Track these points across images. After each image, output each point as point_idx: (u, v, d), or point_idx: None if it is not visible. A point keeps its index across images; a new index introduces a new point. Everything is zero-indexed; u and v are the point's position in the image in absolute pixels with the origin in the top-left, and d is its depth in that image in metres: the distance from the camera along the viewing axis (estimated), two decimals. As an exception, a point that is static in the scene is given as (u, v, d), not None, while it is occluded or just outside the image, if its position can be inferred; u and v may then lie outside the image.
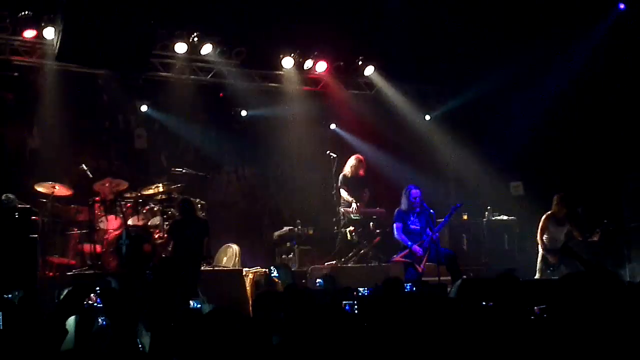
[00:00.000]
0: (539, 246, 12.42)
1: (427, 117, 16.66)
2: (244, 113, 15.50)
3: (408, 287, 8.36)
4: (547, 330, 4.70)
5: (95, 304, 4.66)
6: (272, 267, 9.35)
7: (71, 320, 4.64)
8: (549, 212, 12.46)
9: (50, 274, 11.51)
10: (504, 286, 5.69)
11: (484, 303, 5.66)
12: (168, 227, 12.11)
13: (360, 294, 7.21)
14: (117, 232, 12.04)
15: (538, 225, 12.55)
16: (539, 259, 12.43)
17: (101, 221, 12.29)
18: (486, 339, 4.68)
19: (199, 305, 5.83)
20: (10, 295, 5.34)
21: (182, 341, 4.30)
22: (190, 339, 4.05)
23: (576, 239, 12.38)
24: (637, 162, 13.51)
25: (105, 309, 4.53)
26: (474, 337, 4.72)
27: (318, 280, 9.89)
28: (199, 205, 13.00)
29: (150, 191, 12.95)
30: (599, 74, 14.13)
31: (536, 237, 12.53)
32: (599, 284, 5.00)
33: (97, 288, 4.68)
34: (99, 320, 4.64)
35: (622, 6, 14.09)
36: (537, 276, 12.25)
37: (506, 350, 4.54)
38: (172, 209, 12.86)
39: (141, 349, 4.94)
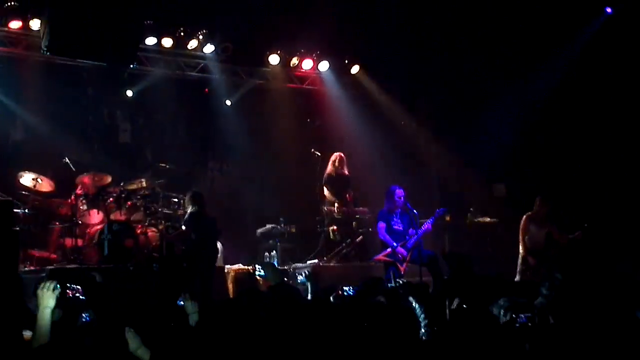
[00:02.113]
0: (520, 247, 12.43)
1: (411, 118, 16.70)
2: (228, 102, 15.43)
3: (390, 286, 8.36)
4: (533, 336, 4.74)
5: (78, 297, 4.61)
6: (257, 266, 9.31)
7: (47, 314, 4.61)
8: (529, 213, 12.45)
9: (31, 267, 11.44)
10: (485, 287, 5.72)
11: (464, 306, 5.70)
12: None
13: (346, 293, 7.19)
14: (99, 227, 12.00)
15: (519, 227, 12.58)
16: (520, 261, 12.43)
17: (83, 215, 12.23)
18: (468, 340, 4.70)
19: (181, 303, 5.80)
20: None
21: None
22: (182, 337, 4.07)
23: (556, 240, 12.38)
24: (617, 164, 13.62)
25: (90, 302, 4.52)
26: (456, 339, 4.75)
27: (300, 277, 9.88)
28: (182, 201, 12.98)
29: (134, 186, 12.91)
30: (584, 77, 14.20)
31: (518, 238, 12.55)
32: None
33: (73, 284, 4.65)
34: (83, 315, 4.61)
35: (609, 10, 14.17)
36: (517, 278, 12.25)
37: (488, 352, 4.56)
38: (155, 205, 12.83)
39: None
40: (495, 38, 14.30)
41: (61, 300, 4.60)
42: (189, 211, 11.89)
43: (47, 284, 4.57)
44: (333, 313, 5.77)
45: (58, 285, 4.56)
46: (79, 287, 4.55)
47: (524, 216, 12.45)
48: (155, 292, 10.35)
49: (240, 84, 15.35)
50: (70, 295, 4.54)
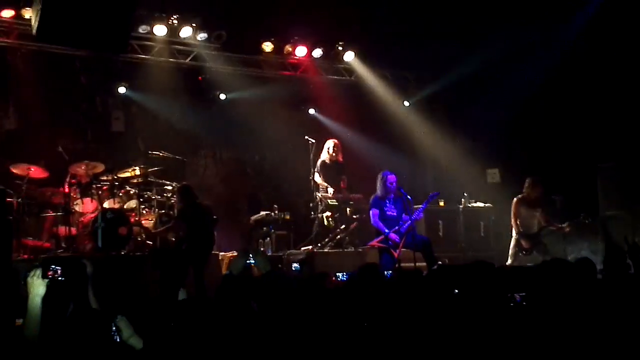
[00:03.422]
0: (513, 230, 12.47)
1: (406, 104, 16.71)
2: (222, 97, 15.42)
3: (388, 275, 8.36)
4: (527, 317, 4.74)
5: (57, 277, 4.59)
6: (248, 253, 9.31)
7: (37, 302, 4.60)
8: (520, 196, 12.48)
9: (25, 256, 11.42)
10: (478, 273, 5.72)
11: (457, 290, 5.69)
12: (177, 215, 12.02)
13: (339, 279, 7.19)
14: (92, 215, 11.98)
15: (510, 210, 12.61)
16: (512, 243, 12.46)
17: (77, 204, 12.21)
18: (463, 325, 4.71)
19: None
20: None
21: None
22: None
23: (543, 223, 12.43)
24: (612, 152, 13.59)
25: (70, 286, 4.52)
26: (451, 324, 4.76)
27: (294, 265, 9.89)
28: (176, 189, 12.98)
29: (127, 174, 12.90)
30: (579, 62, 14.18)
31: (511, 223, 12.58)
32: (576, 271, 5.05)
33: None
34: (72, 305, 4.61)
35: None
36: (509, 261, 12.29)
37: (485, 337, 4.57)
38: (148, 192, 12.83)
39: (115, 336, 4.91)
40: (489, 23, 14.26)
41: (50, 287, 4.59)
42: (178, 207, 11.94)
43: (37, 271, 4.57)
44: (327, 299, 5.78)
45: (41, 268, 4.56)
46: (58, 267, 4.53)
47: (515, 198, 12.49)
48: (148, 282, 10.37)
49: (233, 71, 15.30)
50: (50, 275, 4.52)
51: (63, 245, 11.93)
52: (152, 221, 12.53)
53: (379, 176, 11.81)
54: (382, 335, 4.96)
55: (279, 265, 12.11)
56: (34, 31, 11.97)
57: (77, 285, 4.48)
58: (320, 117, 16.21)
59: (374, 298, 5.77)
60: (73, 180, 12.29)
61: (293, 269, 9.80)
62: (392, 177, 11.68)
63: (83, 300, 4.49)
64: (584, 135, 14.18)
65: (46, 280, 4.57)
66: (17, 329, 4.63)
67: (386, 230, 11.49)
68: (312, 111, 16.27)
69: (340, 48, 15.55)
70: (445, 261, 12.06)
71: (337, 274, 8.05)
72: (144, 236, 12.36)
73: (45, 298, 4.53)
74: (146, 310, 5.98)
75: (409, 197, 11.65)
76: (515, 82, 14.62)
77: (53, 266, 4.55)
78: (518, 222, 12.40)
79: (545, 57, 14.25)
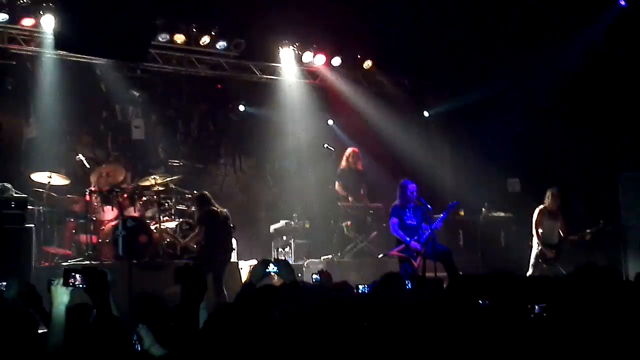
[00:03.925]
0: (535, 240, 12.39)
1: (426, 114, 16.70)
2: (242, 108, 15.46)
3: (409, 284, 8.27)
4: (548, 329, 4.68)
5: (78, 285, 4.58)
6: (269, 262, 9.28)
7: (61, 311, 4.59)
8: (542, 206, 12.45)
9: (46, 263, 11.48)
10: (500, 283, 5.67)
11: (480, 301, 5.63)
12: (199, 219, 12.01)
13: (360, 291, 7.09)
14: (113, 223, 12.00)
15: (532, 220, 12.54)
16: (533, 254, 12.40)
17: (97, 212, 12.25)
18: (485, 337, 4.66)
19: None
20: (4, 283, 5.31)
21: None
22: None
23: (563, 234, 12.38)
24: (633, 161, 13.50)
25: (91, 293, 4.51)
26: (472, 335, 4.71)
27: (314, 275, 9.84)
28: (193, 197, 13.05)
29: (147, 182, 12.92)
30: (598, 71, 14.11)
31: (532, 233, 12.51)
32: (602, 281, 4.98)
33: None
34: (94, 313, 4.59)
35: (622, 2, 14.06)
36: (530, 272, 12.23)
37: (506, 349, 4.51)
38: (168, 201, 12.85)
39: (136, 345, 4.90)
40: (508, 31, 14.22)
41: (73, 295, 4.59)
42: (198, 215, 11.99)
43: (61, 280, 4.56)
44: (350, 310, 5.74)
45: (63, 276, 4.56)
46: (79, 275, 4.52)
47: (537, 209, 12.43)
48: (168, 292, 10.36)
49: (252, 79, 15.33)
50: (71, 283, 4.52)
51: (84, 253, 11.95)
52: (173, 229, 12.54)
53: (400, 185, 11.76)
54: (404, 346, 4.91)
55: (299, 275, 12.09)
56: (55, 40, 12.07)
57: (98, 293, 4.46)
58: (338, 126, 16.18)
59: (397, 308, 5.72)
60: (94, 188, 12.33)
61: (312, 279, 9.75)
62: (412, 186, 11.60)
63: (105, 308, 4.46)
64: (606, 143, 14.09)
65: (69, 289, 4.56)
66: (41, 337, 4.63)
67: (407, 239, 11.41)
68: (330, 122, 16.25)
69: (358, 56, 15.54)
70: (465, 271, 11.98)
71: (359, 285, 7.97)
72: (164, 244, 12.35)
73: (68, 306, 4.53)
74: (166, 320, 5.95)
75: (429, 206, 11.57)
76: (536, 90, 14.57)
77: (74, 274, 4.54)
78: (540, 233, 12.33)
79: (567, 65, 14.18)
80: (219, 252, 11.45)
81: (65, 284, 4.55)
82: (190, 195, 13.08)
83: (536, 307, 5.51)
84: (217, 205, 11.95)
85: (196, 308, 4.42)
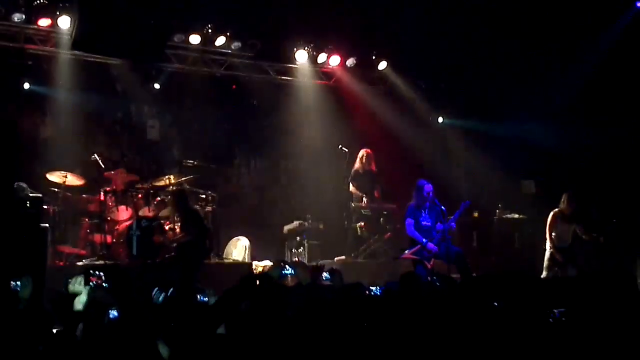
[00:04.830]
0: (547, 243, 12.34)
1: (440, 119, 16.68)
2: (255, 108, 15.49)
3: (437, 282, 8.21)
4: (566, 332, 4.66)
5: (102, 284, 4.60)
6: (284, 264, 9.27)
7: (79, 309, 4.61)
8: (557, 210, 12.38)
9: (61, 263, 11.52)
10: (515, 284, 5.65)
11: (495, 303, 5.61)
12: (190, 218, 12.05)
13: (372, 293, 7.05)
14: (127, 223, 12.04)
15: (546, 223, 12.49)
16: (547, 256, 12.35)
17: (112, 211, 12.29)
18: (500, 337, 4.65)
19: (206, 299, 5.70)
20: (18, 282, 5.32)
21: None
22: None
23: (580, 237, 12.32)
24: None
25: (115, 293, 4.52)
26: (487, 335, 4.70)
27: (325, 274, 9.82)
28: (210, 198, 13.06)
29: (162, 182, 12.96)
30: (615, 73, 14.04)
31: (545, 235, 12.47)
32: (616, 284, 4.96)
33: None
34: (110, 312, 4.59)
35: (639, 5, 14.00)
36: (543, 274, 12.18)
37: (522, 351, 4.51)
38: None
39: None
40: (524, 33, 14.18)
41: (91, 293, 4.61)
42: (183, 212, 12.04)
43: (79, 278, 4.59)
44: (363, 309, 5.73)
45: (83, 275, 4.59)
46: (101, 273, 4.54)
47: (552, 212, 12.37)
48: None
49: (267, 80, 15.34)
50: (94, 282, 4.54)
51: (99, 252, 11.98)
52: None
53: (416, 185, 11.75)
54: (420, 344, 4.91)
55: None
56: (71, 40, 12.12)
57: (121, 291, 4.48)
58: (353, 126, 16.16)
59: (416, 307, 5.71)
60: (108, 188, 12.37)
61: (323, 278, 9.72)
62: (429, 187, 11.61)
63: (128, 306, 4.48)
64: (622, 144, 14.03)
65: (88, 287, 4.59)
66: (56, 335, 4.66)
67: (424, 240, 11.41)
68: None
69: (373, 57, 15.52)
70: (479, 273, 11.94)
71: (371, 287, 7.92)
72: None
73: (87, 305, 4.56)
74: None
75: (443, 207, 11.55)
76: (550, 92, 14.53)
77: (96, 272, 4.57)
78: (553, 236, 12.28)
79: (583, 66, 14.13)
80: (198, 252, 11.53)
81: (87, 283, 4.57)
82: (204, 196, 13.11)
83: (555, 311, 5.48)
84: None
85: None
